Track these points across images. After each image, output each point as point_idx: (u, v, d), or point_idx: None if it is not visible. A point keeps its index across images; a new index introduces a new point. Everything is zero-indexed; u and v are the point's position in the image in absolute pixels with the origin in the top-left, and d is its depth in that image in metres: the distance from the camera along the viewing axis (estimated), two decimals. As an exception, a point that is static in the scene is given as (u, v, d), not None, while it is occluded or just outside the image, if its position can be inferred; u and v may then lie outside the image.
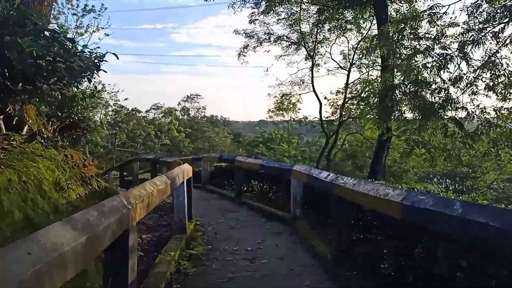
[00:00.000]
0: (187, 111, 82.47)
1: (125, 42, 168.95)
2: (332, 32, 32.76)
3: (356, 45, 31.83)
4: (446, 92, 10.02)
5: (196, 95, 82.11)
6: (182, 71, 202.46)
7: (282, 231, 8.66)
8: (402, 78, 10.38)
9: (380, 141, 18.12)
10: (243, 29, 30.45)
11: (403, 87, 10.46)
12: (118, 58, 6.03)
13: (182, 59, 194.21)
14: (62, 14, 55.77)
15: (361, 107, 30.37)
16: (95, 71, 5.74)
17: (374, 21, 31.49)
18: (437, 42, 9.66)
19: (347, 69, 32.74)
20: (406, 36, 10.44)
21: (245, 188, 12.68)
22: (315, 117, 49.83)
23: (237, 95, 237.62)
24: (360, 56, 31.70)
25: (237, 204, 11.72)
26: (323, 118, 46.99)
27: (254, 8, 27.66)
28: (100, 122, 63.62)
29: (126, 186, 17.07)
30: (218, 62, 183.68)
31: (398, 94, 10.77)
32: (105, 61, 5.93)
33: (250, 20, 29.72)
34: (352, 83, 31.46)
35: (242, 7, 26.46)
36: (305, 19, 31.47)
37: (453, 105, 9.81)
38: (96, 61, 5.80)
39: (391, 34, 10.56)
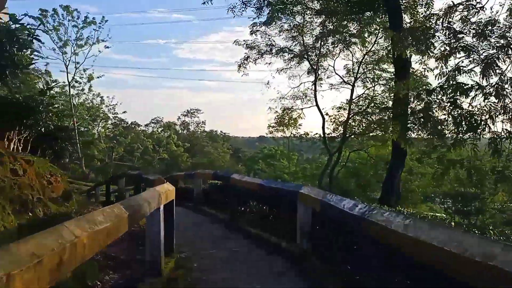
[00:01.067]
0: (186, 126, 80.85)
1: (128, 57, 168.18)
2: (336, 45, 31.28)
3: (361, 58, 30.23)
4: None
5: (196, 109, 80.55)
6: (183, 86, 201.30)
7: (286, 270, 6.74)
8: (440, 82, 8.55)
9: (396, 158, 16.14)
10: (244, 40, 28.89)
11: (439, 93, 8.63)
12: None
13: (184, 74, 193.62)
14: (62, 25, 55.26)
15: (365, 121, 28.57)
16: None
17: (380, 34, 30.22)
18: (483, 38, 7.85)
19: (351, 83, 31.09)
20: (436, 33, 8.72)
21: (242, 209, 10.77)
22: (316, 133, 48.19)
23: (237, 111, 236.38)
24: (365, 70, 30.09)
25: (233, 229, 9.79)
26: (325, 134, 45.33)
27: (255, 13, 26.00)
28: (98, 135, 61.92)
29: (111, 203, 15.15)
30: (220, 77, 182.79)
31: (432, 102, 8.93)
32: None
33: (251, 31, 28.19)
34: (357, 98, 29.70)
35: (243, 11, 24.85)
36: (308, 31, 29.95)
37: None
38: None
39: (419, 32, 8.86)
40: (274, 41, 29.14)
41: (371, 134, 28.71)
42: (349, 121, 29.25)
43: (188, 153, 65.35)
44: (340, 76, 31.89)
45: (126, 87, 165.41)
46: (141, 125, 78.01)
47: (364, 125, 28.68)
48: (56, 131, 13.44)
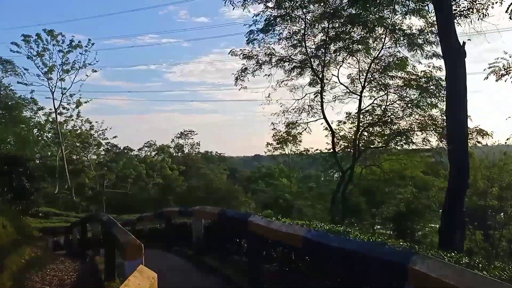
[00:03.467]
0: (181, 148, 76.80)
1: (119, 83, 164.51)
2: (338, 53, 27.90)
3: (368, 66, 26.82)
4: None
5: (189, 131, 76.66)
6: (175, 109, 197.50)
7: None
8: None
9: (458, 173, 12.02)
10: (241, 49, 25.29)
11: None
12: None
13: (175, 97, 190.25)
14: (47, 50, 51.48)
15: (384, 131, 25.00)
16: None
17: (386, 40, 26.95)
18: None
19: (358, 93, 27.58)
20: None
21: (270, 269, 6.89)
22: (317, 150, 44.59)
23: (231, 131, 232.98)
24: (377, 77, 26.59)
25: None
26: (326, 151, 41.52)
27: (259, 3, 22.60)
28: (88, 163, 57.63)
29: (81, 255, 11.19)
30: (212, 99, 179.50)
31: None
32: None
33: (247, 40, 24.68)
34: (368, 107, 26.12)
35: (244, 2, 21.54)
36: (309, 38, 26.54)
37: None
38: None
39: None
40: (274, 49, 25.60)
41: (392, 145, 25.06)
42: (362, 134, 25.56)
43: (183, 176, 61.17)
44: (345, 86, 28.39)
45: (118, 113, 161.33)
46: (134, 150, 73.88)
47: (384, 135, 24.99)
48: (10, 166, 9.63)
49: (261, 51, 25.33)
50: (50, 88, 51.63)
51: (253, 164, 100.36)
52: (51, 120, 56.09)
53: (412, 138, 24.88)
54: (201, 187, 60.06)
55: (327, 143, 33.81)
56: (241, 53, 24.90)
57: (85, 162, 56.39)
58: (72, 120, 56.81)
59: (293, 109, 26.81)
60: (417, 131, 24.80)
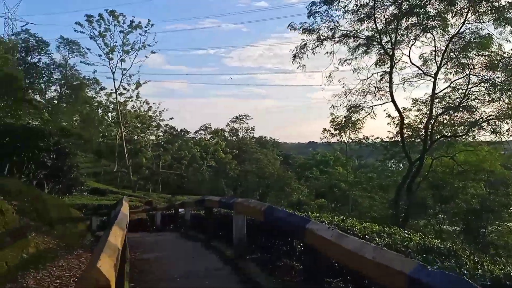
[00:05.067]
0: (235, 132, 75.76)
1: (180, 67, 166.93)
2: (410, 30, 24.54)
3: (447, 43, 23.25)
4: None
5: (245, 115, 75.24)
6: (232, 94, 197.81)
7: None
8: None
9: None
10: (300, 23, 22.67)
11: None
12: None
13: (232, 81, 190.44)
14: (108, 31, 51.76)
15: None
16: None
17: (469, 15, 23.26)
18: None
19: (433, 75, 24.10)
20: None
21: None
22: (377, 137, 41.20)
23: (286, 117, 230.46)
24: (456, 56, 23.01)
25: None
26: (386, 139, 38.10)
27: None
28: (145, 143, 57.99)
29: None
30: (268, 84, 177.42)
31: None
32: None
33: (309, 13, 22.05)
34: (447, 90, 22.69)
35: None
36: (379, 12, 23.42)
37: None
38: None
39: None
40: (338, 22, 22.77)
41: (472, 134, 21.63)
42: (437, 120, 22.23)
43: (236, 160, 59.97)
44: (418, 67, 24.95)
45: (178, 97, 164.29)
46: (190, 132, 74.01)
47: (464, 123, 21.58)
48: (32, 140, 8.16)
49: (323, 25, 22.63)
50: (111, 68, 51.98)
51: (307, 151, 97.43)
52: (112, 100, 56.87)
53: (500, 127, 21.22)
54: (253, 171, 58.56)
55: (388, 131, 30.66)
56: (300, 27, 22.32)
57: (142, 143, 56.73)
58: (132, 101, 57.26)
59: (357, 90, 23.82)
60: (506, 119, 21.07)
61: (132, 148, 54.89)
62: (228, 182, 58.38)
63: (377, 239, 5.43)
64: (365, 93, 23.39)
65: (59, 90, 57.02)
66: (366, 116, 24.80)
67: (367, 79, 23.47)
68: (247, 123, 75.10)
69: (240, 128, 75.54)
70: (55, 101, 56.33)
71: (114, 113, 58.00)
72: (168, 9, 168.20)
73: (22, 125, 7.50)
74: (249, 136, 75.75)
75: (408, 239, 5.31)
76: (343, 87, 24.28)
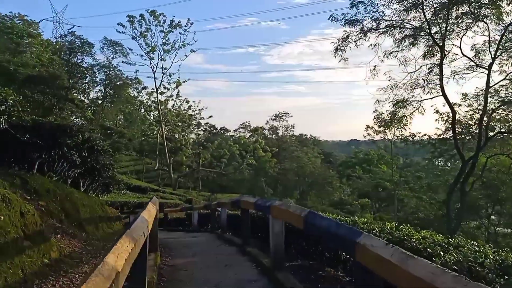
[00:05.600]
0: (275, 130, 75.04)
1: (219, 66, 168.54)
2: (461, 20, 22.78)
3: (502, 32, 21.36)
4: None
5: (284, 113, 74.28)
6: (272, 92, 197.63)
7: None
8: None
9: None
10: (343, 14, 21.48)
11: None
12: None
13: (272, 79, 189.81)
14: (149, 31, 52.51)
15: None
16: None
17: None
18: None
19: (486, 67, 22.24)
20: None
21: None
22: (425, 135, 39.05)
23: (326, 114, 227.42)
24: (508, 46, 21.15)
25: None
26: (433, 136, 36.02)
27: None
28: (185, 141, 58.46)
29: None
30: (308, 81, 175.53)
31: None
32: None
33: (351, 3, 20.86)
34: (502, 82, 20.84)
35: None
36: (427, 0, 21.85)
37: None
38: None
39: None
40: (383, 12, 21.43)
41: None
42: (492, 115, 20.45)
43: (276, 158, 59.22)
44: (470, 58, 23.12)
45: (218, 95, 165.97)
46: (230, 131, 74.11)
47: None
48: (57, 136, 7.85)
49: (367, 15, 21.35)
50: (152, 67, 52.72)
51: (349, 149, 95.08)
52: (153, 99, 57.78)
53: None
54: (293, 170, 57.63)
55: (436, 128, 28.84)
56: (342, 18, 21.17)
57: (183, 141, 57.25)
58: (172, 99, 57.91)
59: (404, 84, 22.29)
60: None
61: (173, 146, 55.49)
62: (267, 181, 57.81)
63: (441, 253, 4.52)
64: (413, 87, 21.88)
65: (103, 90, 58.64)
66: (414, 111, 23.23)
67: (415, 71, 21.95)
68: (287, 120, 74.25)
69: (280, 126, 74.80)
70: (99, 101, 57.96)
71: (156, 112, 58.93)
72: (208, 9, 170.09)
73: (50, 122, 7.19)
74: (289, 134, 74.83)
75: (482, 255, 4.36)
76: (389, 80, 22.87)
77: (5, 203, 5.31)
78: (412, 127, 28.39)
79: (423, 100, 22.58)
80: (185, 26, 50.95)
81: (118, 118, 65.64)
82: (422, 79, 21.83)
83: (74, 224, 8.11)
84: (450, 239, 5.34)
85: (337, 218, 6.65)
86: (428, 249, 4.61)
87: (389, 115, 25.08)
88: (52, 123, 7.52)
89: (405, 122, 31.01)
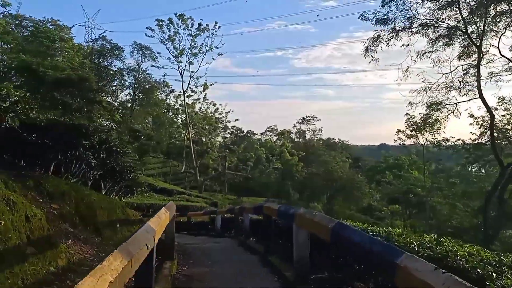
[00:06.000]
0: (302, 134, 74.11)
1: (247, 70, 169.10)
2: (499, 19, 21.53)
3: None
4: None
5: (312, 116, 73.32)
6: (299, 96, 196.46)
7: None
8: None
9: None
10: (373, 13, 20.61)
11: None
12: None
13: (300, 82, 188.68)
14: (177, 35, 52.86)
15: None
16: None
17: None
18: None
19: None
20: None
21: None
22: (458, 139, 37.41)
23: (354, 118, 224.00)
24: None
25: None
26: (468, 141, 34.51)
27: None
28: (211, 144, 58.42)
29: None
30: (336, 84, 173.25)
31: None
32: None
33: (383, 1, 19.97)
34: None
35: None
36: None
37: None
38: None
39: None
40: (416, 11, 20.44)
41: None
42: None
43: (303, 162, 58.28)
44: (509, 59, 21.78)
45: (245, 99, 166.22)
46: (257, 134, 73.72)
47: None
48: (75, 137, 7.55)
49: (399, 14, 20.42)
50: (180, 71, 53.00)
51: (379, 154, 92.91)
52: (180, 102, 58.13)
53: None
54: (321, 174, 56.49)
55: (471, 132, 27.49)
56: (373, 17, 20.32)
57: (209, 144, 57.23)
58: (199, 102, 58.05)
59: (438, 85, 21.11)
60: None
61: (199, 149, 55.55)
62: (294, 185, 56.91)
63: (494, 274, 3.83)
64: (449, 88, 20.72)
65: (132, 93, 59.47)
66: (449, 114, 22.03)
67: (450, 72, 20.80)
68: (314, 124, 73.21)
69: (307, 130, 73.83)
70: (129, 104, 58.78)
71: (183, 115, 59.24)
72: (235, 13, 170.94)
73: (64, 122, 6.90)
74: (316, 137, 73.73)
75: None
76: (422, 82, 21.80)
77: (8, 206, 4.98)
78: (446, 131, 27.05)
79: (459, 102, 21.38)
80: (213, 29, 51.03)
81: (147, 121, 66.42)
82: (458, 80, 20.66)
83: (89, 228, 7.78)
84: (502, 257, 4.61)
85: (369, 228, 5.99)
86: (478, 269, 3.92)
87: (422, 118, 23.91)
88: (68, 123, 7.21)
89: (438, 126, 29.74)
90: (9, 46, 43.53)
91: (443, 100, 21.32)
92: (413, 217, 42.56)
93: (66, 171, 8.65)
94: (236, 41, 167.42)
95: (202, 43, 51.90)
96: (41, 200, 6.88)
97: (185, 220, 20.33)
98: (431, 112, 22.23)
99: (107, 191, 12.47)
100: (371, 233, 5.57)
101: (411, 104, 22.40)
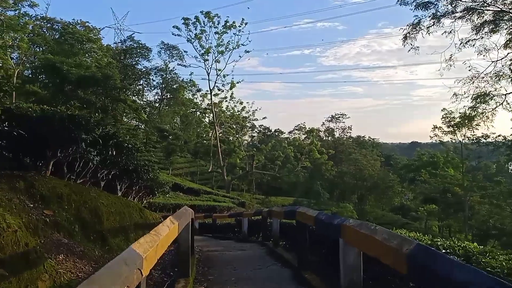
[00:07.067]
0: (331, 132, 71.95)
1: (274, 69, 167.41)
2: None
3: None
4: None
5: (341, 114, 71.10)
6: (328, 94, 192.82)
7: None
8: None
9: None
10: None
11: None
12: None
13: (328, 80, 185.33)
14: (204, 33, 52.02)
15: None
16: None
17: None
18: None
19: None
20: None
21: None
22: (499, 135, 34.71)
23: (385, 116, 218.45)
24: None
25: None
26: (510, 137, 31.97)
27: None
28: (238, 143, 57.28)
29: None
30: (366, 81, 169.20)
31: None
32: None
33: (423, -15, 18.07)
34: None
35: None
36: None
37: None
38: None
39: None
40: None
41: None
42: None
43: (332, 160, 56.28)
44: None
45: (273, 98, 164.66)
46: (285, 133, 72.15)
47: None
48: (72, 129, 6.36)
49: (442, -1, 18.41)
50: (206, 69, 52.10)
51: (410, 152, 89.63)
52: (207, 101, 57.35)
53: None
54: (351, 173, 54.40)
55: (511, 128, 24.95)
56: (413, 1, 18.38)
57: (236, 143, 56.13)
58: (226, 101, 57.07)
59: (486, 74, 18.83)
60: None
61: (226, 148, 54.54)
62: (323, 184, 55.07)
63: None
64: (498, 77, 18.51)
65: (160, 93, 59.16)
66: (497, 106, 19.75)
67: (501, 59, 18.60)
68: (344, 122, 70.96)
69: (336, 128, 71.67)
70: (156, 104, 58.51)
71: (211, 115, 58.47)
72: (262, 12, 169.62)
73: (61, 112, 5.82)
74: (346, 136, 71.46)
75: None
76: (469, 70, 19.61)
77: (-32, 216, 3.81)
78: (489, 126, 24.63)
79: (509, 93, 19.09)
80: (239, 26, 49.85)
81: (175, 120, 66.07)
82: (509, 68, 18.46)
83: (93, 237, 6.59)
84: None
85: (438, 242, 4.47)
86: None
87: (468, 111, 21.66)
88: (64, 113, 6.04)
89: (478, 122, 27.37)
90: (41, 49, 43.99)
91: (490, 91, 19.11)
92: (451, 218, 39.99)
93: (70, 171, 7.51)
94: (263, 40, 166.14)
95: (228, 41, 50.88)
96: (31, 205, 5.73)
97: (210, 222, 19.16)
98: (478, 105, 20.06)
99: (124, 192, 11.39)
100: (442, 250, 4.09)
101: (456, 95, 20.22)
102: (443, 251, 4.15)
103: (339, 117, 70.80)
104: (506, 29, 20.27)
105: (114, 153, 7.71)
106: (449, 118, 33.93)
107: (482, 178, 37.88)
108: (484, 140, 35.21)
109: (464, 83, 19.11)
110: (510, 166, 42.47)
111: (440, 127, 36.52)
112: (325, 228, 5.01)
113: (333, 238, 4.98)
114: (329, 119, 71.17)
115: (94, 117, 6.60)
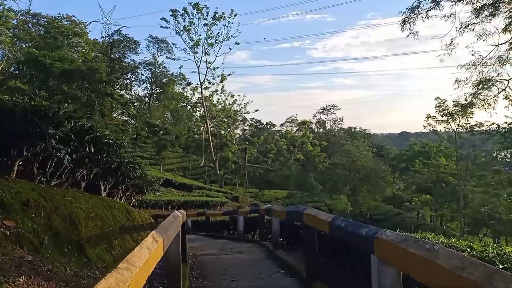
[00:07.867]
0: (323, 124, 71.18)
1: (264, 62, 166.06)
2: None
3: None
4: None
5: (332, 106, 70.31)
6: (318, 86, 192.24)
7: None
8: None
9: None
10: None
11: None
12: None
13: (318, 72, 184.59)
14: (192, 25, 50.63)
15: None
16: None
17: None
18: None
19: None
20: None
21: None
22: (493, 123, 34.18)
23: (374, 107, 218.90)
24: None
25: None
26: (503, 125, 31.54)
27: None
28: (230, 137, 56.23)
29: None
30: (355, 73, 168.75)
31: None
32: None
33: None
34: None
35: None
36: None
37: None
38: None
39: None
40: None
41: None
42: None
43: (325, 152, 55.57)
44: None
45: (263, 91, 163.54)
46: (276, 125, 71.23)
47: None
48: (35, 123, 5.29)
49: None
50: (196, 62, 50.81)
51: (400, 142, 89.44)
52: (197, 95, 56.13)
53: None
54: (343, 164, 53.75)
55: (505, 115, 24.40)
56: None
57: (228, 137, 55.08)
58: (217, 94, 55.88)
59: (489, 58, 17.87)
60: None
61: (218, 142, 53.49)
62: (316, 176, 54.37)
63: None
64: (503, 61, 17.61)
65: (149, 87, 57.72)
66: (499, 92, 18.90)
67: (505, 43, 17.73)
68: (335, 113, 70.19)
69: (328, 119, 70.90)
70: (146, 98, 57.05)
71: (202, 109, 57.27)
72: (251, 4, 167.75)
73: (23, 103, 4.82)
74: (337, 127, 70.77)
75: None
76: (472, 55, 18.71)
77: None
78: (490, 114, 23.85)
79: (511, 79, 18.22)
80: (229, 17, 48.61)
81: (165, 115, 64.69)
82: (508, 52, 17.62)
83: (67, 249, 5.56)
84: None
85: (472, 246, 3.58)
86: None
87: (469, 98, 20.82)
88: (27, 104, 5.00)
89: (472, 110, 26.73)
90: (26, 45, 42.36)
91: (493, 77, 18.23)
92: (445, 207, 39.57)
93: (42, 172, 6.47)
94: (253, 33, 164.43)
95: (218, 33, 49.65)
96: (-14, 216, 4.69)
97: (204, 220, 18.21)
98: (480, 91, 19.19)
99: (109, 193, 10.38)
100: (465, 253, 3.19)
101: (458, 81, 19.29)
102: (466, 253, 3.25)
103: (330, 108, 70.07)
104: (505, 12, 19.48)
105: (92, 150, 6.68)
106: (442, 107, 33.29)
107: (474, 167, 37.45)
108: (478, 129, 34.71)
109: (468, 68, 18.18)
110: (498, 153, 42.07)
111: (433, 116, 35.91)
112: (347, 237, 4.05)
113: (359, 250, 4.05)
114: (321, 111, 70.43)
115: (64, 108, 5.55)
